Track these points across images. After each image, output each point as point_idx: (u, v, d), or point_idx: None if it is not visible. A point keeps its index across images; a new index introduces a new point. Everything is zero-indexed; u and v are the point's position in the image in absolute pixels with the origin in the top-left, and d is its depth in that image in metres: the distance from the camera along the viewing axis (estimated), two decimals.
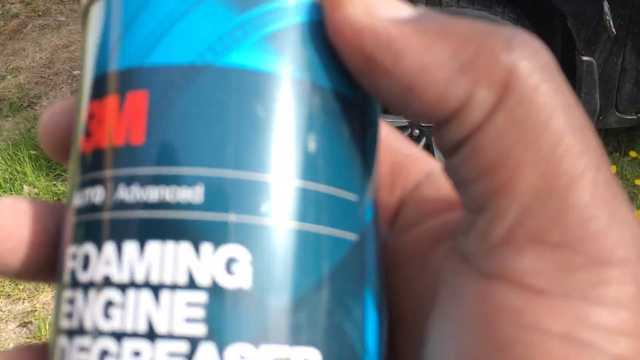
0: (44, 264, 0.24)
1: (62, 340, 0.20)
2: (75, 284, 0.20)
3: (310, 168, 0.20)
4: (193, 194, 0.19)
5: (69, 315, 0.20)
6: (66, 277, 0.20)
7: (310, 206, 0.20)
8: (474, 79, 0.19)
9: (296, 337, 0.19)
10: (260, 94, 0.20)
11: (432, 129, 0.22)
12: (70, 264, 0.20)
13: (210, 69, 0.20)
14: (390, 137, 0.28)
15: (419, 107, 0.20)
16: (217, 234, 0.19)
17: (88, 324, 0.19)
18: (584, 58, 2.17)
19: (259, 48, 0.20)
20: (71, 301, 0.20)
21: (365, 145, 0.23)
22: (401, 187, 0.27)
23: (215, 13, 0.20)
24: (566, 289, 0.18)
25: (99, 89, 0.21)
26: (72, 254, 0.20)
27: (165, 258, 0.18)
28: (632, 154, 2.60)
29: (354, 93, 0.22)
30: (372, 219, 0.22)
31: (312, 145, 0.20)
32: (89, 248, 0.19)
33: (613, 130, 2.53)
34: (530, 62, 0.19)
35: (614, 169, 2.53)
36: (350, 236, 0.21)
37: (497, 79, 0.19)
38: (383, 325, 0.23)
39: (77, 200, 0.21)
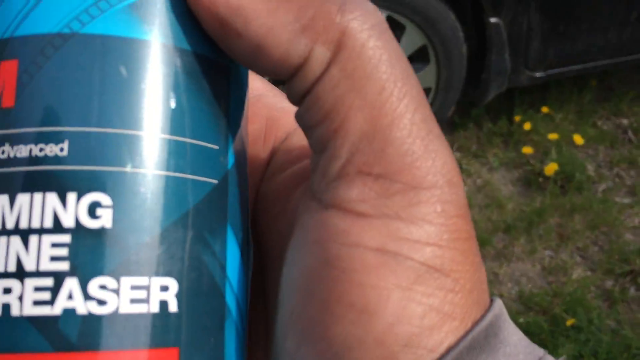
0: None
1: None
2: None
3: (170, 122, 0.23)
4: (59, 149, 0.21)
5: None
6: None
7: (169, 156, 0.23)
8: (313, 38, 0.23)
9: (154, 269, 0.22)
10: (123, 58, 0.22)
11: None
12: None
13: (75, 37, 0.22)
14: (267, 94, 0.31)
15: (267, 64, 0.23)
16: (81, 184, 0.21)
17: None
18: (491, 20, 2.24)
19: (122, 16, 0.22)
20: None
21: (228, 101, 0.25)
22: (273, 139, 0.30)
23: None
24: (384, 211, 0.22)
25: None
26: None
27: (33, 207, 0.21)
28: (544, 109, 2.71)
29: (217, 54, 0.25)
30: (234, 165, 0.25)
31: (173, 102, 0.23)
32: None
33: (526, 88, 2.62)
34: (360, 22, 0.23)
35: (528, 125, 2.63)
36: (211, 180, 0.24)
37: (332, 38, 0.23)
38: (247, 257, 0.26)
39: None
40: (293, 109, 0.32)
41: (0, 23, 0.22)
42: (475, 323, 0.22)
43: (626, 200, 2.40)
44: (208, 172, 0.24)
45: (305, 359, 0.23)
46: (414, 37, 2.23)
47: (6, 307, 0.20)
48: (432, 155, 0.23)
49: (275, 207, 0.28)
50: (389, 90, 0.23)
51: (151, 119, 0.22)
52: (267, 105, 0.31)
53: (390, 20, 2.16)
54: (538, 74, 2.42)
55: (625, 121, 2.65)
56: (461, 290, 0.22)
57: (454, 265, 0.22)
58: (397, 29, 2.20)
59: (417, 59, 2.27)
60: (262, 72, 0.24)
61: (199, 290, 0.23)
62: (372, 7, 0.24)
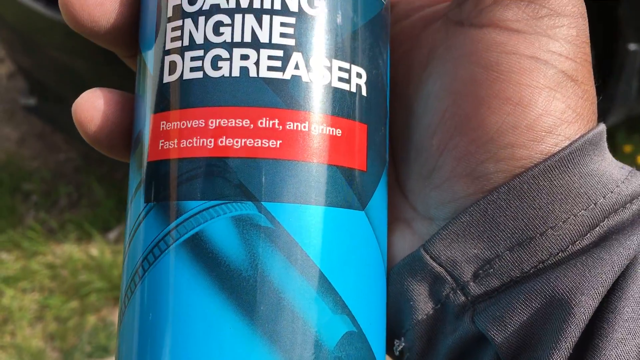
0: (124, 24, 0.28)
1: (172, 57, 0.26)
2: (182, 15, 0.26)
3: None
4: None
5: (177, 39, 0.26)
6: (170, 13, 0.26)
7: None
8: None
9: (353, 58, 0.26)
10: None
11: None
12: (173, 1, 0.26)
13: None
14: None
15: None
16: None
17: (199, 40, 0.25)
18: (630, 47, 2.16)
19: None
20: (179, 28, 0.26)
21: None
22: None
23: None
24: (535, 29, 0.27)
25: None
26: None
27: None
28: None
29: None
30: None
31: None
32: None
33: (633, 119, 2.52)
34: None
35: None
36: (381, 4, 0.28)
37: None
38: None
39: None
40: None
41: None
42: (594, 127, 0.28)
43: None
44: None
45: (457, 146, 0.28)
46: None
47: (244, 69, 0.25)
48: None
49: (404, 45, 0.33)
50: None
51: None
52: None
53: None
54: None
55: None
56: (587, 99, 0.28)
57: (584, 79, 0.28)
58: None
59: None
60: None
61: (376, 85, 0.28)
62: None
